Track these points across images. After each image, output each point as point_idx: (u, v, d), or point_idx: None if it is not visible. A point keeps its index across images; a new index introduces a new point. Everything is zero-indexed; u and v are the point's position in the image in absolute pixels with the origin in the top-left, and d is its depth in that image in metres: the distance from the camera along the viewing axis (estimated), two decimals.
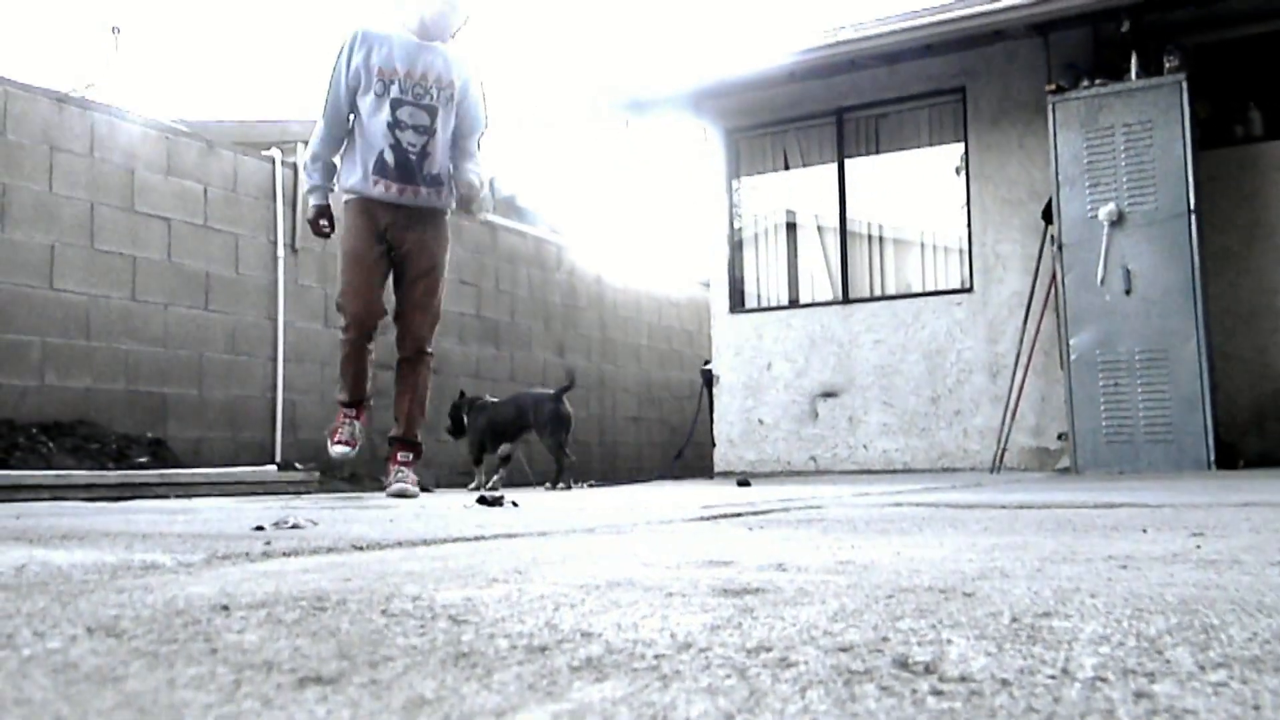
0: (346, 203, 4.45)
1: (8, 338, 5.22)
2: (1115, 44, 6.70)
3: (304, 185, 4.55)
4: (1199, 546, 1.53)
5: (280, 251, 6.64)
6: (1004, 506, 2.74)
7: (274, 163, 6.71)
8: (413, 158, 4.38)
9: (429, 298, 4.51)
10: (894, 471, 7.55)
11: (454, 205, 4.60)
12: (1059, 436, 7.00)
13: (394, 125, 4.35)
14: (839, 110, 8.05)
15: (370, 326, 4.46)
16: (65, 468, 4.93)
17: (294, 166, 6.81)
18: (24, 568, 1.33)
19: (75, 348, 5.50)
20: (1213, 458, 6.04)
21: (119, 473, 5.00)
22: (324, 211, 4.51)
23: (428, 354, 4.55)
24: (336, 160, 4.48)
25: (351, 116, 4.41)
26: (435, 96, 4.39)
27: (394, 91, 4.32)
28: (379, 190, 4.36)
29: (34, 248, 5.36)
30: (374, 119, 4.33)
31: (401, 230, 4.42)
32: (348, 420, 4.58)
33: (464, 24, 4.46)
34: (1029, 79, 7.23)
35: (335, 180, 4.48)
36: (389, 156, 4.34)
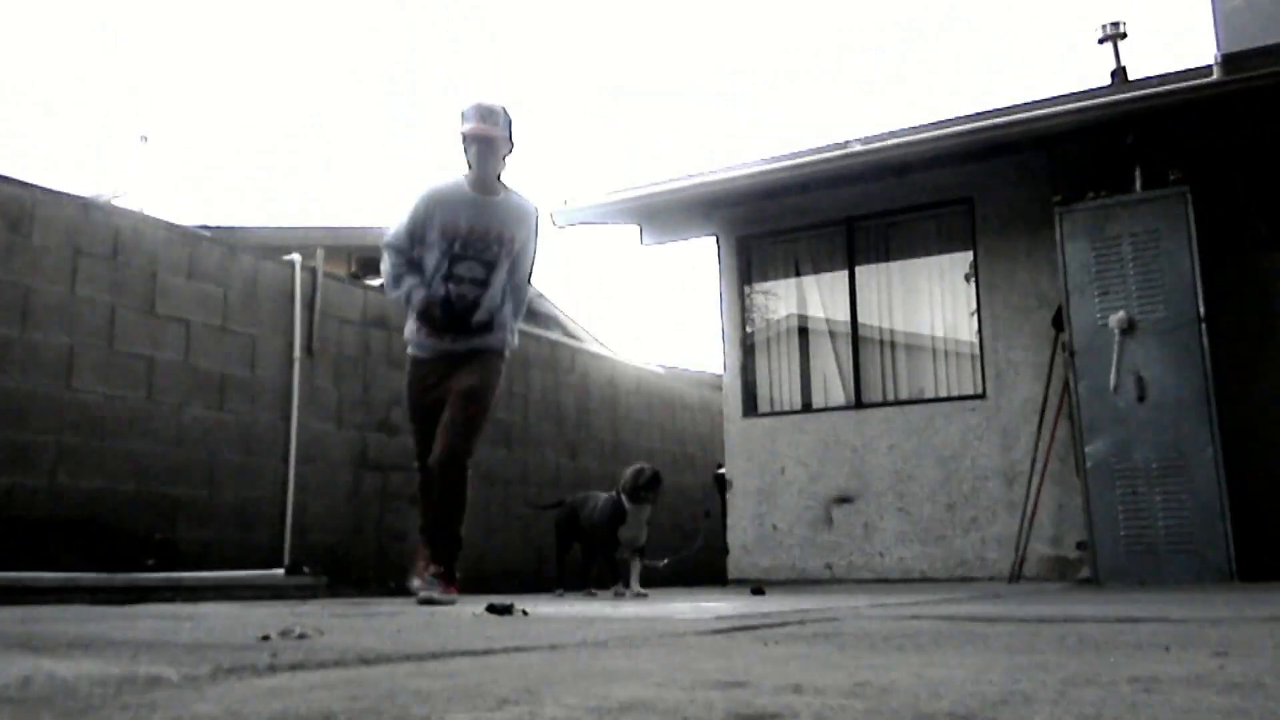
0: (408, 350, 4.89)
1: (24, 437, 5.24)
2: (1120, 154, 6.82)
3: (400, 295, 4.78)
4: (1223, 668, 1.50)
5: (296, 353, 6.70)
6: (1024, 620, 2.69)
7: (294, 267, 6.82)
8: (459, 310, 4.67)
9: (465, 408, 4.63)
10: (911, 580, 7.42)
11: (507, 347, 4.87)
12: (1078, 545, 6.90)
13: (449, 279, 4.66)
14: (849, 219, 8.17)
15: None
16: (73, 569, 4.90)
17: (313, 271, 6.92)
18: (30, 680, 1.31)
19: (89, 447, 5.51)
20: (1235, 568, 5.93)
21: (125, 575, 4.96)
22: (432, 300, 4.68)
23: (464, 463, 4.67)
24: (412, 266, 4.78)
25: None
26: (495, 251, 4.69)
27: (456, 248, 4.65)
28: (430, 345, 4.74)
29: (53, 348, 5.42)
30: (434, 273, 4.67)
31: (453, 368, 4.71)
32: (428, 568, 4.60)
33: (505, 164, 4.79)
34: (1035, 190, 7.34)
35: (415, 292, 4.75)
36: (438, 311, 4.64)
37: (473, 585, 6.50)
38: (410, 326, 4.82)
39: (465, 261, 4.63)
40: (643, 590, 5.79)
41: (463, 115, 4.70)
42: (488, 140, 4.62)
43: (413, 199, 4.72)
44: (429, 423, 4.69)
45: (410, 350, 4.87)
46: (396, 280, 4.73)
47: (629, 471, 5.87)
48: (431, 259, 4.67)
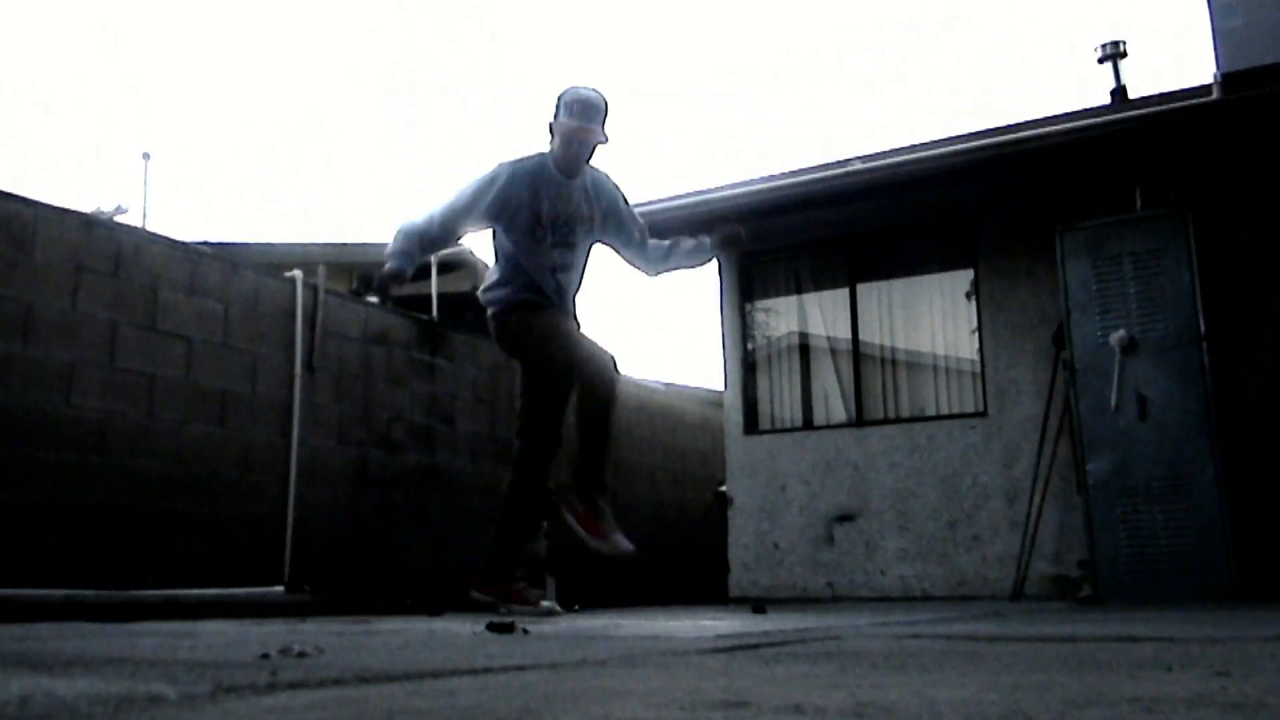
0: (514, 307, 4.52)
1: (24, 453, 5.24)
2: (1120, 173, 6.84)
3: (390, 247, 4.46)
4: (1224, 688, 1.49)
5: (297, 370, 6.70)
6: (1025, 639, 2.68)
7: (295, 283, 6.83)
8: (565, 291, 4.58)
9: (612, 365, 4.64)
10: (912, 599, 7.40)
11: (719, 249, 4.97)
12: (1079, 564, 6.88)
13: (554, 268, 4.52)
14: (849, 237, 8.19)
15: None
16: (72, 586, 4.89)
17: (314, 287, 6.93)
18: (29, 699, 1.31)
19: (89, 464, 5.51)
20: (1236, 586, 5.91)
21: (125, 593, 4.95)
22: (399, 275, 4.40)
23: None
24: (427, 251, 4.60)
25: (497, 244, 4.59)
26: (578, 233, 4.56)
27: (551, 237, 4.48)
28: (537, 292, 4.53)
29: (54, 364, 5.43)
30: (534, 259, 4.49)
31: (569, 319, 4.66)
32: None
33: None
34: (1035, 208, 7.36)
35: (413, 262, 4.48)
36: (551, 289, 4.53)
37: (467, 602, 6.47)
38: (499, 288, 4.50)
39: (559, 248, 4.50)
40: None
41: (566, 107, 4.42)
42: (588, 143, 4.46)
43: (487, 179, 4.41)
44: (571, 383, 4.46)
45: (511, 296, 4.49)
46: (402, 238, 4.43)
47: None
48: (528, 248, 4.45)
